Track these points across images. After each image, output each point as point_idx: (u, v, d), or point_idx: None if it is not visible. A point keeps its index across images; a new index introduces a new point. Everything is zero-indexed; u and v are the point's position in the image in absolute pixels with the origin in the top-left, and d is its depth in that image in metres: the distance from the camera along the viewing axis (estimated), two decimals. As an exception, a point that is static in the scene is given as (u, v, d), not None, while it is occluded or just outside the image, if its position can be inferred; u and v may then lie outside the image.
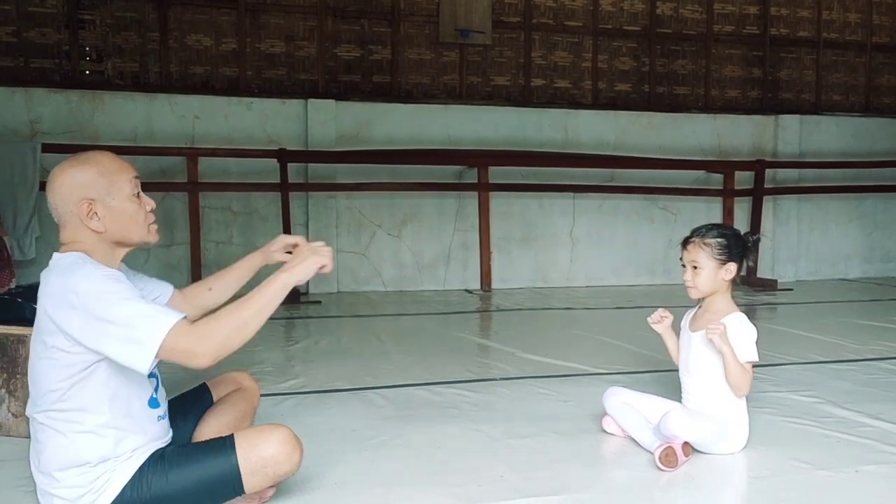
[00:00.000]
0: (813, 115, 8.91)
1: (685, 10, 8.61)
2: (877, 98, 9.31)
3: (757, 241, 2.94)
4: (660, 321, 3.01)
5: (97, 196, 2.03)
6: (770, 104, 8.89)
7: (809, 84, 9.07)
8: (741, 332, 2.79)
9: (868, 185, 8.77)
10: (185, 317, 1.90)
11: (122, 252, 2.13)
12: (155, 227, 2.16)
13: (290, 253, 2.39)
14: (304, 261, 2.04)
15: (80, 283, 1.89)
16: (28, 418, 2.06)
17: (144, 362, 1.84)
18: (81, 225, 2.03)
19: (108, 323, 1.85)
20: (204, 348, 1.87)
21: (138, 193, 2.11)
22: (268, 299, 1.96)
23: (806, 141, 8.78)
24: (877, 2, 9.22)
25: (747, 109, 8.79)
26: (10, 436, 2.95)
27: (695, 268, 2.85)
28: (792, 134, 8.70)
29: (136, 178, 2.12)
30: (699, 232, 2.89)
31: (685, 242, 2.91)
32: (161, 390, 2.18)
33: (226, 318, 1.92)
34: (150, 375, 2.10)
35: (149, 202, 2.14)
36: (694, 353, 2.89)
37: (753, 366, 2.81)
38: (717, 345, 2.71)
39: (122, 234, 2.08)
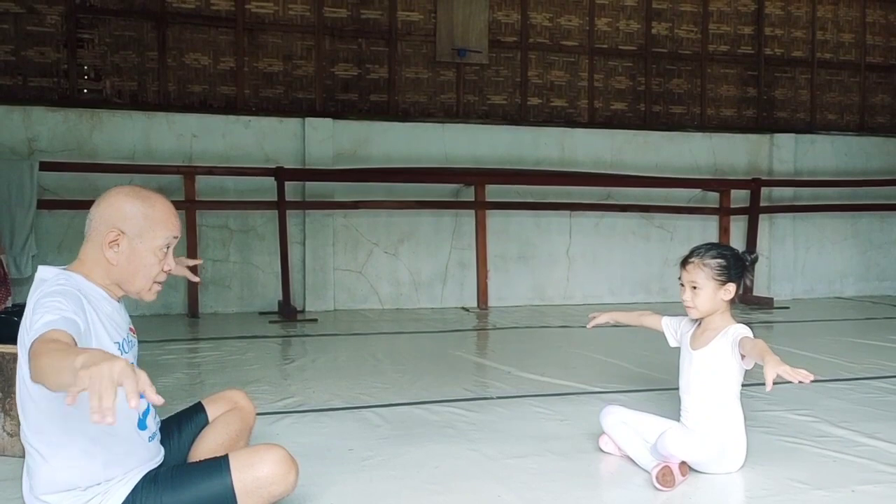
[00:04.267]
0: (808, 133, 8.96)
1: (680, 30, 8.68)
2: (871, 117, 9.37)
3: (755, 260, 2.94)
4: (594, 319, 3.19)
5: (129, 232, 2.04)
6: (765, 123, 8.94)
7: (804, 103, 9.14)
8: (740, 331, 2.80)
9: (863, 204, 8.81)
10: (59, 329, 1.73)
11: (121, 292, 2.13)
12: (158, 287, 2.14)
13: (190, 269, 2.63)
14: (109, 371, 1.43)
15: (35, 308, 1.87)
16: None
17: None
18: (100, 249, 2.04)
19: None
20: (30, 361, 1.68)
21: (166, 251, 2.11)
22: (62, 366, 1.54)
23: (801, 159, 8.82)
24: (870, 22, 9.30)
25: (743, 128, 8.84)
26: (5, 455, 2.94)
27: (694, 288, 2.85)
28: (787, 152, 8.75)
29: (176, 237, 2.12)
30: (698, 252, 2.88)
31: (684, 262, 2.90)
32: (151, 411, 2.17)
33: (45, 352, 1.63)
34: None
35: (169, 263, 2.13)
36: (695, 372, 2.88)
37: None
38: (752, 357, 2.63)
39: (127, 277, 2.08)
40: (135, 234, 2.05)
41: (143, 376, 1.47)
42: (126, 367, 1.44)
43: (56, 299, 1.87)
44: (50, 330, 1.73)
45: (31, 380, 1.72)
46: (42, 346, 1.66)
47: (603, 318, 3.26)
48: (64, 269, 2.05)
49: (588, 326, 3.31)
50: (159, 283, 2.14)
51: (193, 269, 2.65)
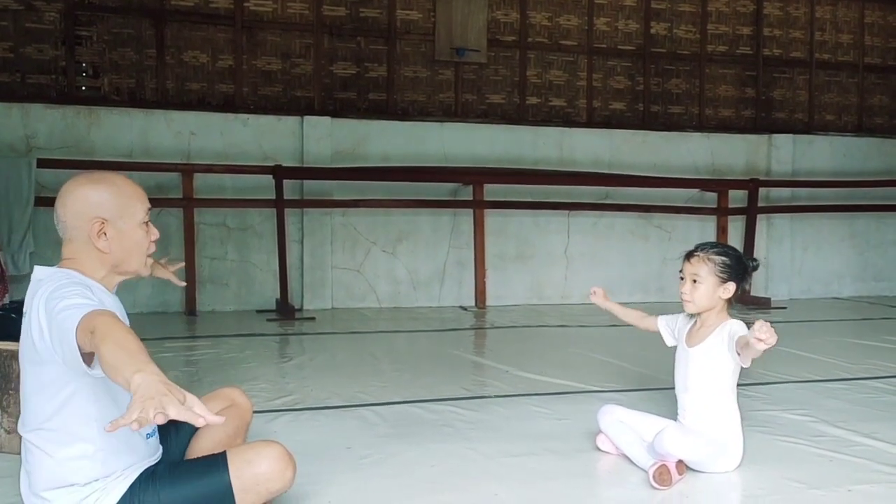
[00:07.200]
0: (806, 134, 8.97)
1: (679, 30, 8.68)
2: (869, 118, 9.38)
3: (756, 267, 2.96)
4: (595, 294, 3.25)
5: (110, 217, 2.03)
6: (763, 123, 8.95)
7: (802, 104, 9.14)
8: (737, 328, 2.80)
9: (860, 205, 8.81)
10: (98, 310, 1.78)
11: (119, 279, 2.13)
12: (151, 261, 2.17)
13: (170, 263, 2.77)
14: (146, 400, 1.51)
15: (50, 298, 1.86)
16: (21, 436, 2.05)
17: (72, 355, 1.76)
18: (88, 243, 2.02)
19: (55, 322, 1.81)
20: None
21: (147, 222, 2.12)
22: (121, 360, 1.68)
23: (799, 160, 8.83)
24: (868, 23, 9.31)
25: (741, 128, 8.85)
26: (3, 452, 2.94)
27: (694, 281, 2.86)
28: (785, 153, 8.75)
29: (149, 208, 2.13)
30: (704, 247, 2.92)
31: (689, 255, 2.93)
32: None
33: (111, 338, 1.70)
34: None
35: (154, 233, 2.15)
36: (692, 369, 2.89)
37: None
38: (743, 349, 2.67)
39: (124, 259, 2.08)
40: (116, 216, 2.04)
41: (192, 402, 1.59)
42: (173, 398, 1.54)
43: (76, 289, 1.87)
44: (94, 310, 1.75)
45: (86, 346, 1.72)
46: (105, 328, 1.71)
47: (601, 301, 3.26)
48: (58, 267, 2.04)
49: (589, 297, 3.31)
50: (150, 255, 2.16)
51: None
